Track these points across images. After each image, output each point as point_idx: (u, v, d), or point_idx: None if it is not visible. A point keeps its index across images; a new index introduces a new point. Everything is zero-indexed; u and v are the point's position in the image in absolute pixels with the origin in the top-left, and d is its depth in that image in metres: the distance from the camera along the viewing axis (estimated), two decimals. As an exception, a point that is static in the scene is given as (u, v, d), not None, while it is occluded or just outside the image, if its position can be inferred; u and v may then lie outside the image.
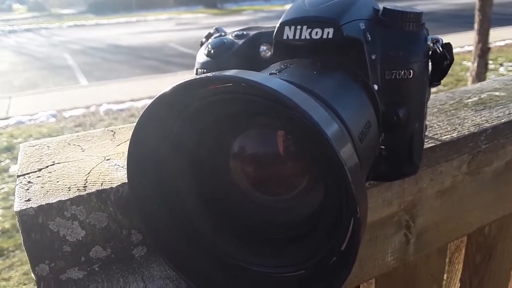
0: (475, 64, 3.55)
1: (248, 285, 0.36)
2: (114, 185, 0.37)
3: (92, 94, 4.92)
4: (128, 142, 0.32)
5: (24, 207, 0.34)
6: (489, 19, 3.43)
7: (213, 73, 0.28)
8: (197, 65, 0.46)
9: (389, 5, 0.42)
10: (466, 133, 0.54)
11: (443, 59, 0.41)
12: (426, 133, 0.52)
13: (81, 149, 0.46)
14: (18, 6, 24.90)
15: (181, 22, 12.32)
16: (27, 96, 5.06)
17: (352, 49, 0.40)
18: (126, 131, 0.51)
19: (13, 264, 2.00)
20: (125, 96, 4.66)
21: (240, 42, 0.46)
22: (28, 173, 0.40)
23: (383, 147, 0.42)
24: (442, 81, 0.43)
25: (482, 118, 0.58)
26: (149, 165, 0.33)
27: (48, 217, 0.35)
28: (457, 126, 0.56)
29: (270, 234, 0.37)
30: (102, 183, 0.38)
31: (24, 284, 1.87)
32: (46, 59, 7.40)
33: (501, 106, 0.62)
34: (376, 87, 0.40)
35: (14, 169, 2.90)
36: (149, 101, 0.30)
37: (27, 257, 0.35)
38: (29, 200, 0.35)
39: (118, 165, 0.42)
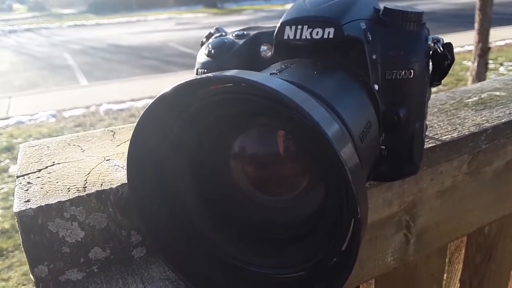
0: (475, 64, 3.54)
1: (247, 285, 0.36)
2: (114, 186, 0.37)
3: (92, 94, 4.91)
4: (128, 142, 0.32)
5: (24, 208, 0.34)
6: (490, 18, 3.43)
7: (214, 73, 0.28)
8: (197, 65, 0.46)
9: (390, 5, 0.42)
10: (467, 133, 0.54)
11: (444, 59, 0.41)
12: (427, 133, 0.52)
13: (81, 149, 0.46)
14: (18, 6, 24.90)
15: (181, 22, 12.32)
16: (27, 96, 5.05)
17: (353, 49, 0.40)
18: (126, 131, 0.51)
19: (12, 264, 2.00)
20: (125, 96, 4.66)
21: (241, 42, 0.46)
22: (28, 174, 0.40)
23: (384, 147, 0.42)
24: (442, 81, 0.43)
25: (483, 118, 0.58)
26: (149, 165, 0.33)
27: (47, 218, 0.35)
28: (458, 126, 0.56)
29: (270, 234, 0.37)
30: (102, 184, 0.38)
31: (23, 285, 1.86)
32: (46, 59, 7.40)
33: (502, 106, 0.62)
34: (376, 87, 0.40)
35: (13, 169, 2.90)
36: (150, 101, 0.30)
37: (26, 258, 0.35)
38: (28, 201, 0.35)
39: (118, 166, 0.42)
